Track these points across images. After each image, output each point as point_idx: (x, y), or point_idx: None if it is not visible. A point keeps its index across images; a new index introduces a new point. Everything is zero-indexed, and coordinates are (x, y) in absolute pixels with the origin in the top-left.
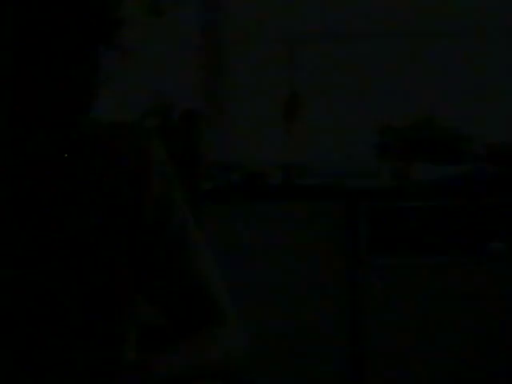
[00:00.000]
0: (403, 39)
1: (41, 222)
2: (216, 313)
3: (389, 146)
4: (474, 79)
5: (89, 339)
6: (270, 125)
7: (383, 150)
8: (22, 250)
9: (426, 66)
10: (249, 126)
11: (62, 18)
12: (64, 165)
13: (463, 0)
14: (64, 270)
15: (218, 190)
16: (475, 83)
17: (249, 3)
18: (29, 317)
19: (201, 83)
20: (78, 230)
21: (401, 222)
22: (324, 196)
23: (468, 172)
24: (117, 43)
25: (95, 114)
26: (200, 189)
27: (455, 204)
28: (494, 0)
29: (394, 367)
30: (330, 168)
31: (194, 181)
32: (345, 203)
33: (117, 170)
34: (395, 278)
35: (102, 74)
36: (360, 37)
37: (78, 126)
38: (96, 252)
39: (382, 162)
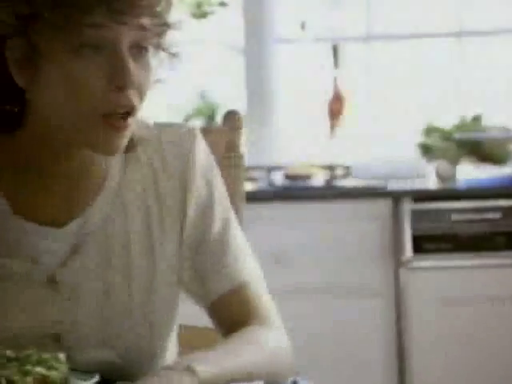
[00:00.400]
0: (447, 39)
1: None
2: (258, 314)
3: (434, 146)
4: None
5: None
6: (313, 126)
7: (428, 151)
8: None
9: (472, 65)
10: (292, 127)
11: None
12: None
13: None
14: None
15: (261, 192)
16: None
17: (292, 2)
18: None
19: (244, 84)
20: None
21: (446, 223)
22: (368, 197)
23: None
24: (166, 45)
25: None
26: (241, 190)
27: (502, 205)
28: None
29: (436, 366)
30: (375, 169)
31: (236, 182)
32: (389, 204)
33: (168, 174)
34: (439, 280)
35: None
36: (404, 37)
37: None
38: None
39: (427, 163)
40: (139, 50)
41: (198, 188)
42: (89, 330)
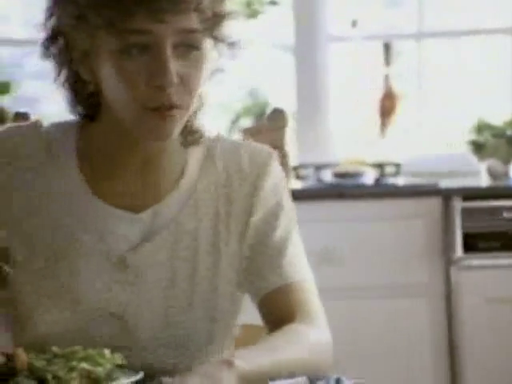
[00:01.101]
0: (497, 36)
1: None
2: (304, 313)
3: (486, 143)
4: None
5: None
6: (364, 124)
7: (480, 148)
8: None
9: None
10: (342, 125)
11: None
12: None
13: None
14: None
15: (309, 190)
16: None
17: (343, 0)
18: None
19: (294, 82)
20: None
21: (497, 222)
22: (418, 195)
23: None
24: (223, 36)
25: None
26: (287, 186)
27: None
28: None
29: (488, 366)
30: (425, 166)
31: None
32: (439, 202)
33: (240, 180)
34: (491, 278)
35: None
36: (455, 34)
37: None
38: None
39: (478, 161)
40: (186, 48)
41: (266, 196)
42: (151, 315)
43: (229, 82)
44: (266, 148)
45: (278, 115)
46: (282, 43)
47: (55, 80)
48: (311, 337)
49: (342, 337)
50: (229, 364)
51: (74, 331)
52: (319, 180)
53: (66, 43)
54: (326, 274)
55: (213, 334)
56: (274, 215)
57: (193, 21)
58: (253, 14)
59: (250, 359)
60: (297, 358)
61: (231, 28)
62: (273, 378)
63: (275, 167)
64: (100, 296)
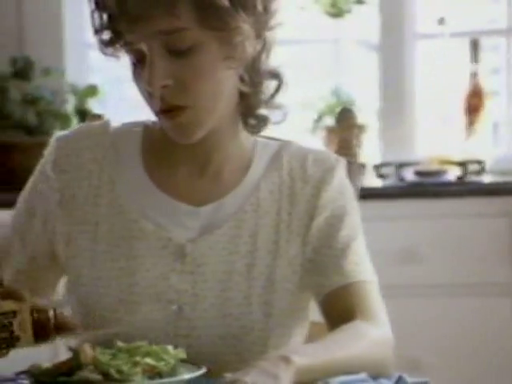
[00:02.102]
0: None
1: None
2: (365, 311)
3: None
4: None
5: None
6: (449, 122)
7: None
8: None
9: None
10: (427, 123)
11: None
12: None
13: None
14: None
15: (390, 188)
16: None
17: None
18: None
19: (378, 81)
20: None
21: None
22: (501, 194)
23: None
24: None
25: None
26: (355, 188)
27: None
28: None
29: None
30: (509, 164)
31: (349, 180)
32: None
33: (305, 182)
34: None
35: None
36: None
37: None
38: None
39: None
40: (177, 47)
41: (330, 199)
42: (208, 305)
43: (312, 80)
44: (334, 155)
45: (347, 115)
46: (366, 41)
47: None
48: (372, 334)
49: (422, 335)
50: (286, 360)
51: (131, 315)
52: (401, 178)
53: None
54: (407, 272)
55: (268, 329)
56: (337, 218)
57: (173, 21)
58: (339, 14)
59: (309, 355)
60: (357, 355)
61: (230, 16)
62: (332, 375)
63: (340, 172)
64: (157, 283)
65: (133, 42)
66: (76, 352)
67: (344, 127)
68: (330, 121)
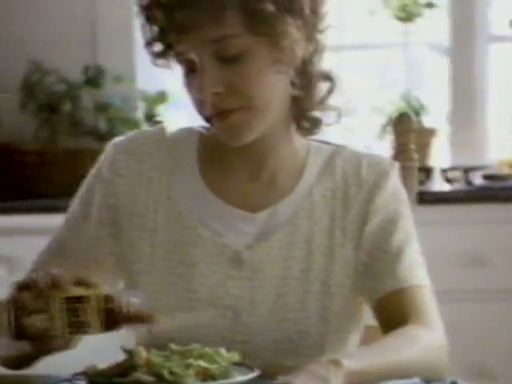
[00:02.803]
0: None
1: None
2: (419, 316)
3: None
4: None
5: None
6: None
7: None
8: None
9: None
10: (497, 127)
11: None
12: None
13: None
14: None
15: (457, 193)
16: None
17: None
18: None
19: (448, 84)
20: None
21: None
22: None
23: None
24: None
25: None
26: (412, 192)
27: None
28: None
29: None
30: None
31: (407, 185)
32: None
33: (359, 186)
34: None
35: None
36: None
37: None
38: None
39: None
40: (227, 54)
41: (383, 203)
42: (265, 310)
43: (382, 85)
44: (388, 159)
45: (404, 120)
46: (437, 45)
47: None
48: (425, 339)
49: (487, 340)
50: (337, 363)
51: (188, 320)
52: (469, 182)
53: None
54: (474, 276)
55: (325, 333)
56: (391, 222)
57: (221, 29)
58: (408, 18)
59: (360, 359)
60: (409, 360)
61: (277, 20)
62: (383, 379)
63: (394, 177)
64: (214, 289)
65: (183, 52)
66: (131, 353)
67: (401, 132)
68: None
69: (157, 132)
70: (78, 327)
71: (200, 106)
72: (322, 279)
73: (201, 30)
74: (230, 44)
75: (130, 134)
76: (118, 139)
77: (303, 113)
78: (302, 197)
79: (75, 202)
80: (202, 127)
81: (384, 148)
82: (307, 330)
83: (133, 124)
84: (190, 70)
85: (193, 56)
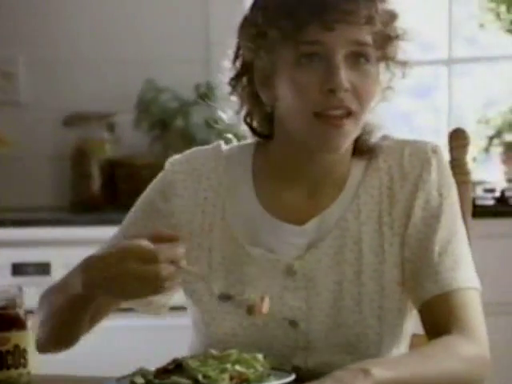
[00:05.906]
0: None
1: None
2: (461, 324)
3: None
4: None
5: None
6: None
7: None
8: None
9: None
10: None
11: None
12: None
13: None
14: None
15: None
16: None
17: None
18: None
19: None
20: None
21: None
22: None
23: None
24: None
25: None
26: (468, 206)
27: None
28: None
29: None
30: None
31: (462, 199)
32: None
33: (403, 180)
34: None
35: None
36: None
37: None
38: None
39: None
40: (357, 59)
41: (427, 196)
42: (322, 317)
43: (493, 98)
44: (430, 144)
45: (459, 135)
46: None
47: (237, 113)
48: (464, 350)
49: None
50: (365, 372)
51: (250, 335)
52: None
53: (248, 78)
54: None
55: (381, 333)
56: (434, 218)
57: (363, 34)
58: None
59: (391, 369)
60: (443, 372)
61: (401, 47)
62: None
63: (438, 163)
64: (272, 303)
65: (326, 44)
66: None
67: (456, 146)
68: (508, 137)
69: (213, 150)
70: None
71: (315, 100)
72: (376, 279)
73: (348, 29)
74: (363, 50)
75: (188, 152)
76: (176, 158)
77: (368, 133)
78: (348, 200)
79: (136, 212)
80: (257, 142)
81: (491, 161)
82: (365, 332)
83: (241, 138)
84: (310, 60)
85: (330, 51)
